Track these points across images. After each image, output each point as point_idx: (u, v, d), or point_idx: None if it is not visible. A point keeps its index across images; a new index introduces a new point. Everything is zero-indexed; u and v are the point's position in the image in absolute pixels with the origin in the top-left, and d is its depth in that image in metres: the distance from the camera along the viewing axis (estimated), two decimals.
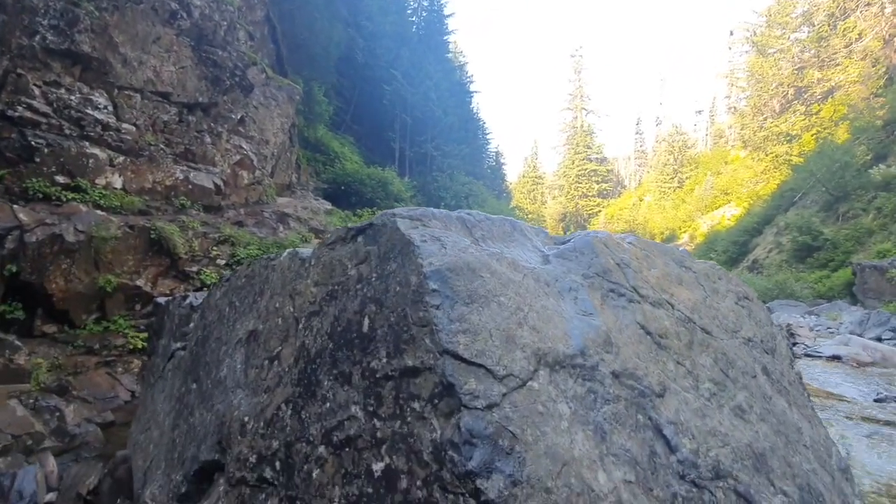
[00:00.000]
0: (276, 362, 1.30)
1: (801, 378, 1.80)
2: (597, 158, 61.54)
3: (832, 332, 8.87)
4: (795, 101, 30.80)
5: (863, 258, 13.10)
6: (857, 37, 24.90)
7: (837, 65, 26.49)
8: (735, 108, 44.36)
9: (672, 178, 49.61)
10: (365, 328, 1.06)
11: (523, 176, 69.16)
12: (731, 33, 45.13)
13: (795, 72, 30.80)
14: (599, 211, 57.73)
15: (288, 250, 1.59)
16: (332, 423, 1.01)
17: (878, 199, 15.65)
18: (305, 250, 1.52)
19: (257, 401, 1.28)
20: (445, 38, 24.94)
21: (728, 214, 33.31)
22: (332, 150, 13.40)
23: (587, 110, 62.61)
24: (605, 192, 61.35)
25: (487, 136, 28.99)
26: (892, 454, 2.70)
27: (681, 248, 1.60)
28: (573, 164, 60.43)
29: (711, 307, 1.51)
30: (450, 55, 26.19)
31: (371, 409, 0.96)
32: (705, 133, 58.31)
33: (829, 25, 27.38)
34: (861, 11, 24.74)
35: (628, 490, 0.93)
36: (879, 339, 7.70)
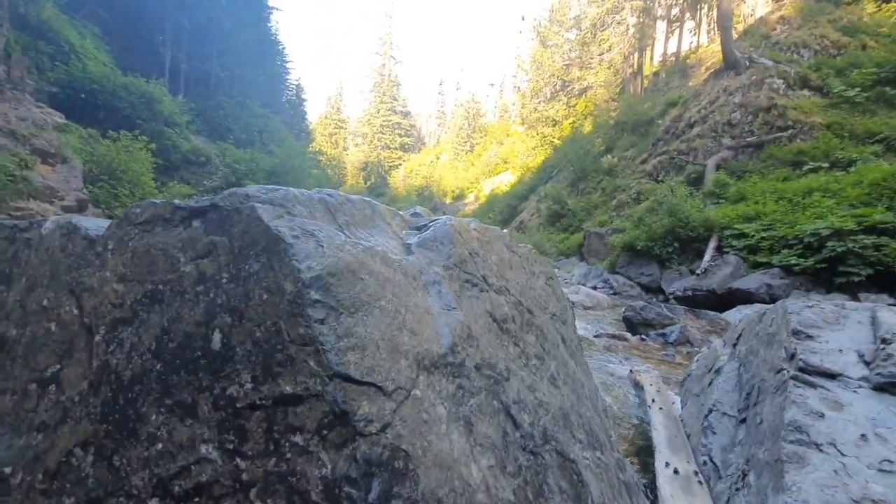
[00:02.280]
0: (53, 388, 0.93)
1: (580, 340, 2.25)
2: (402, 111, 62.75)
3: (567, 283, 11.43)
4: (561, 92, 37.36)
5: (590, 226, 17.12)
6: (608, 48, 31.33)
7: (592, 69, 33.02)
8: (519, 88, 51.06)
9: (465, 142, 54.63)
10: (216, 345, 0.83)
11: (325, 117, 65.62)
12: (523, 19, 51.02)
13: (564, 66, 37.18)
14: (400, 164, 59.70)
15: (53, 219, 1.13)
16: (172, 469, 0.78)
17: (604, 182, 20.63)
18: (88, 222, 1.11)
19: (24, 444, 0.90)
20: None
21: (506, 181, 38.89)
22: (67, 40, 9.81)
23: (395, 59, 62.55)
24: (406, 146, 63.49)
25: (287, 66, 25.95)
26: (605, 374, 3.64)
27: (504, 231, 1.77)
28: (378, 112, 60.26)
29: (531, 288, 1.75)
30: None
31: (231, 446, 0.78)
32: (495, 105, 65.67)
33: (591, 33, 33.63)
34: (613, 28, 31.03)
35: (492, 474, 1.02)
36: (595, 287, 10.36)
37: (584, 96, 34.33)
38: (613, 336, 4.82)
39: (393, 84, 61.39)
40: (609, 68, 31.32)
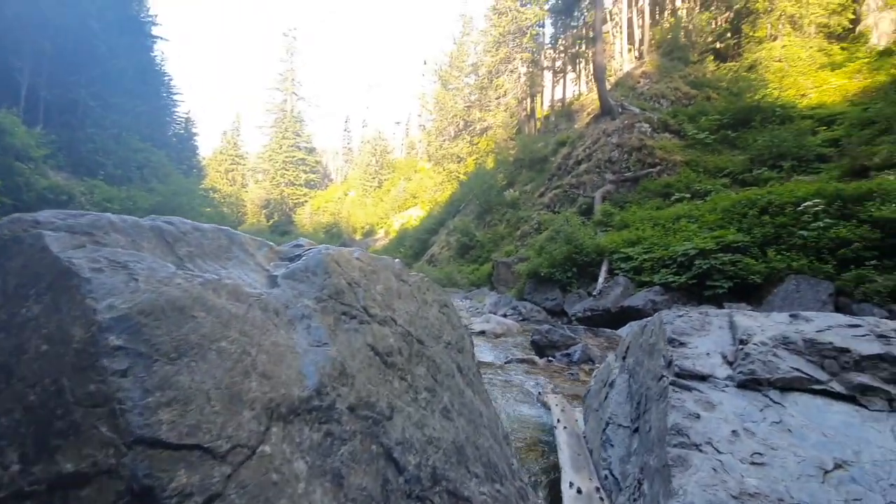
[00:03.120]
0: None
1: (478, 367, 2.19)
2: (306, 147, 61.35)
3: (480, 312, 11.63)
4: (464, 131, 39.43)
5: (498, 256, 17.81)
6: (504, 93, 33.96)
7: (490, 111, 35.45)
8: (424, 126, 52.93)
9: (374, 178, 54.78)
10: None
11: (221, 152, 61.89)
12: (425, 62, 53.56)
13: (465, 108, 39.46)
14: (306, 201, 57.84)
15: None
16: None
17: (508, 214, 21.80)
18: None
19: None
20: None
21: (415, 215, 39.45)
22: None
23: (298, 96, 61.51)
24: (312, 183, 61.86)
25: (175, 98, 24.12)
26: (516, 399, 3.65)
27: (396, 260, 1.68)
28: (281, 148, 58.27)
29: (423, 317, 1.66)
30: None
31: None
32: (401, 142, 67.19)
33: (488, 79, 36.29)
34: (507, 75, 33.78)
35: None
36: (506, 315, 10.65)
37: (485, 135, 36.55)
38: (523, 360, 4.91)
39: (296, 120, 60.08)
40: (506, 111, 33.88)
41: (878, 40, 17.80)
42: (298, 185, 58.40)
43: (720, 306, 7.54)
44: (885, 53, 16.74)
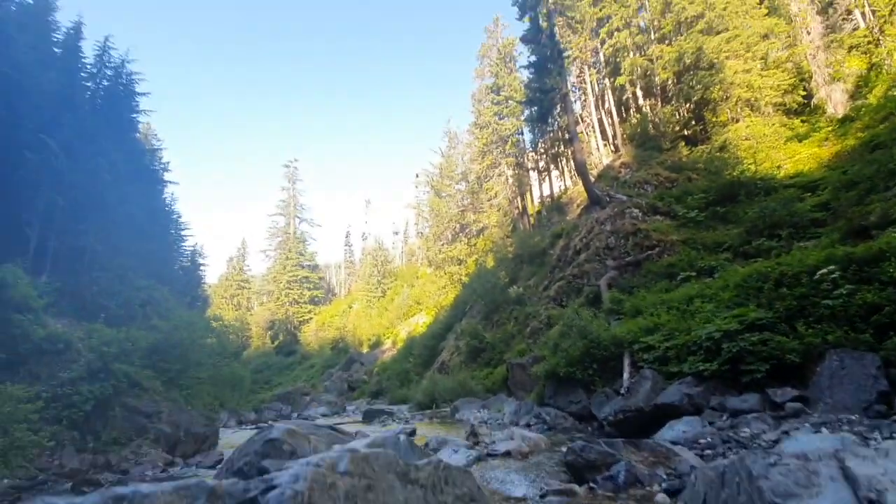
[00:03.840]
0: None
1: None
2: (309, 265, 62.87)
3: (500, 424, 10.71)
4: (461, 234, 40.67)
5: (510, 356, 17.05)
6: (495, 195, 35.68)
7: (484, 212, 36.95)
8: (422, 233, 54.87)
9: (377, 288, 55.15)
10: None
11: (227, 278, 63.40)
12: (417, 175, 57.31)
13: (460, 212, 41.20)
14: (311, 318, 57.62)
15: None
16: None
17: (515, 311, 21.38)
18: None
19: None
20: (134, 116, 21.55)
21: (421, 321, 38.89)
22: None
23: (301, 218, 64.68)
24: (316, 299, 62.26)
25: (183, 233, 25.26)
26: None
27: (401, 438, 1.34)
28: (285, 269, 59.64)
29: None
30: (138, 135, 22.62)
31: None
32: (401, 251, 69.00)
33: (478, 184, 38.45)
34: (496, 179, 35.82)
35: None
36: (529, 425, 9.75)
37: (481, 235, 37.59)
38: (561, 492, 4.24)
39: (299, 241, 62.41)
40: (498, 210, 35.29)
41: (836, 109, 19.11)
42: (303, 303, 58.65)
43: (762, 392, 6.89)
44: (847, 120, 17.84)
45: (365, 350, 43.77)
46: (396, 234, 73.88)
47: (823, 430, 5.38)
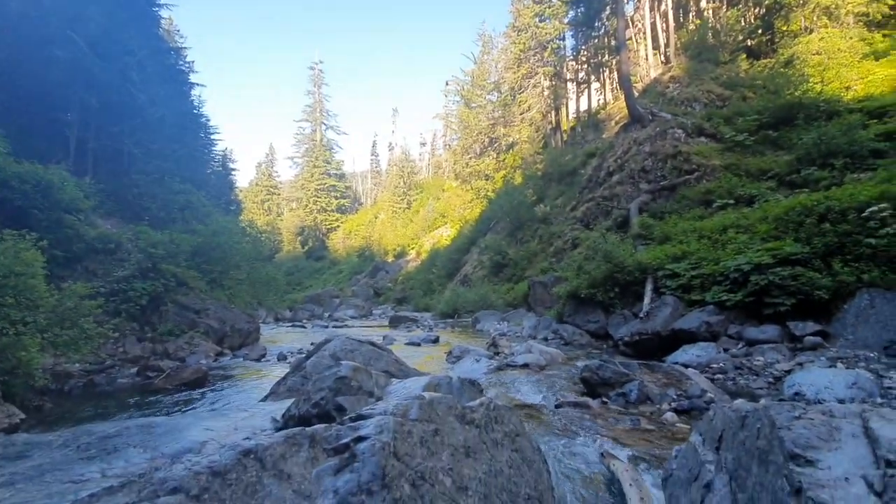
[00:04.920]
0: None
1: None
2: (336, 174, 63.01)
3: (519, 337, 11.29)
4: (490, 148, 39.42)
5: (532, 274, 17.44)
6: (528, 108, 33.81)
7: (515, 126, 35.35)
8: (449, 145, 53.43)
9: (402, 200, 55.42)
10: None
11: (256, 184, 64.51)
12: (447, 83, 54.33)
13: (490, 125, 39.53)
14: (338, 226, 59.12)
15: None
16: None
17: (540, 230, 21.40)
18: None
19: None
20: (156, 9, 20.53)
21: (445, 234, 39.46)
22: None
23: (327, 125, 63.55)
24: (343, 208, 63.29)
25: (213, 137, 25.29)
26: (575, 455, 3.29)
27: (455, 379, 1.46)
28: (312, 177, 60.06)
29: (498, 474, 1.40)
30: (161, 32, 21.74)
31: None
32: (428, 163, 67.92)
33: (510, 95, 36.30)
34: (530, 90, 33.68)
35: None
36: (546, 339, 10.27)
37: (511, 151, 36.40)
38: (575, 404, 4.60)
39: (325, 148, 61.92)
40: (531, 125, 33.68)
41: None
42: (330, 211, 59.87)
43: (783, 325, 6.98)
44: None
45: (390, 259, 45.31)
46: (424, 145, 72.26)
47: (839, 364, 5.51)
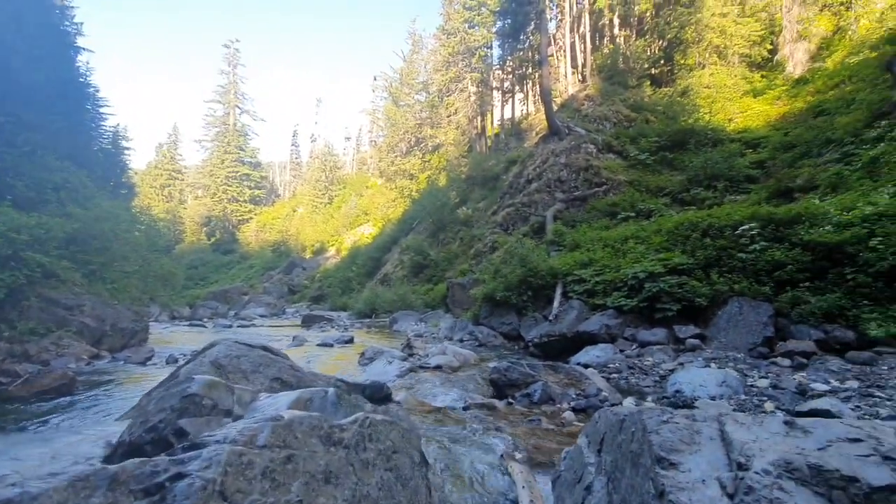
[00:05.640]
0: None
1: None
2: (251, 162, 59.10)
3: (435, 338, 11.32)
4: (416, 148, 39.40)
5: (452, 276, 17.65)
6: (455, 111, 34.27)
7: (442, 128, 35.67)
8: (375, 142, 52.55)
9: (323, 194, 53.41)
10: None
11: (156, 167, 58.49)
12: (375, 79, 53.46)
13: (416, 125, 39.50)
14: (251, 217, 55.49)
15: None
16: None
17: (461, 232, 21.77)
18: None
19: None
20: None
21: (367, 232, 38.71)
22: None
23: (241, 109, 59.34)
24: (257, 199, 59.58)
25: (102, 111, 22.22)
26: (476, 460, 3.31)
27: (329, 392, 1.34)
28: (223, 163, 55.74)
29: (363, 499, 1.27)
30: None
31: None
32: (352, 158, 66.22)
33: (438, 97, 36.57)
34: (457, 94, 34.17)
35: None
36: (462, 340, 10.40)
37: (437, 152, 36.67)
38: (482, 405, 4.66)
39: (239, 133, 57.78)
40: (457, 128, 34.23)
41: (794, 69, 19.58)
42: (243, 202, 55.98)
43: (670, 328, 7.71)
44: (801, 81, 18.41)
45: (308, 255, 43.43)
46: (348, 139, 70.31)
47: (712, 364, 6.19)
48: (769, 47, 21.67)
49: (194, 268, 43.76)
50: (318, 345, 10.02)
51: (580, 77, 28.02)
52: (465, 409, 4.76)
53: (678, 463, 1.21)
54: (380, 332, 13.96)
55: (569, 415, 4.34)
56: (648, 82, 23.74)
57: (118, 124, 30.86)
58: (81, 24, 20.35)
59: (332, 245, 42.28)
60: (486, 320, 10.90)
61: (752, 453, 1.15)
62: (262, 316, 21.72)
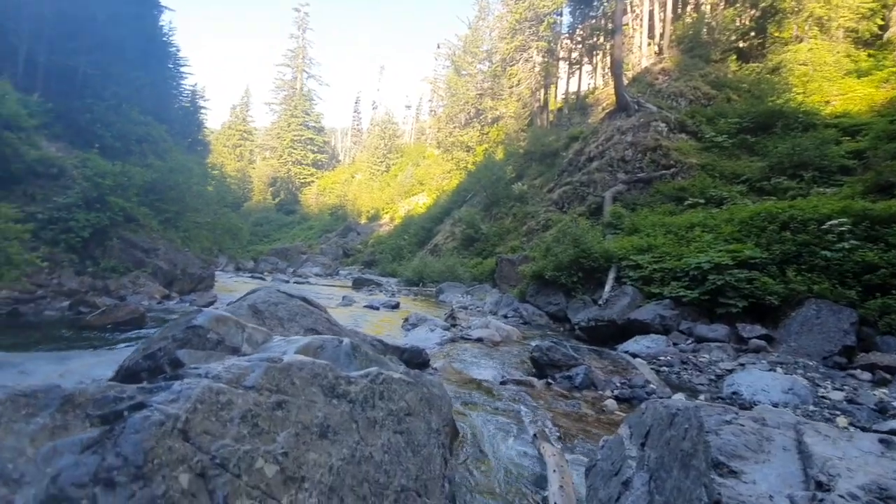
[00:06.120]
0: None
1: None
2: (314, 127, 60.75)
3: (480, 311, 11.30)
4: (475, 119, 38.64)
5: (502, 251, 17.43)
6: (517, 83, 33.09)
7: (503, 100, 34.65)
8: (435, 111, 52.11)
9: (381, 162, 54.13)
10: None
11: (229, 127, 61.51)
12: (438, 46, 52.51)
13: (477, 95, 38.61)
14: (313, 181, 57.44)
15: None
16: None
17: (515, 208, 21.30)
18: None
19: None
20: None
21: (421, 202, 38.96)
22: None
23: (308, 73, 60.70)
24: (319, 163, 61.42)
25: (182, 69, 23.49)
26: (509, 435, 3.24)
27: (344, 343, 1.26)
28: (289, 126, 57.70)
29: (365, 461, 1.17)
30: None
31: None
32: (411, 127, 66.31)
33: (501, 67, 35.38)
34: (522, 64, 32.89)
35: None
36: (506, 316, 10.30)
37: (496, 125, 35.79)
38: (520, 382, 4.56)
39: (305, 98, 59.33)
40: (518, 101, 33.08)
41: None
42: (306, 165, 57.98)
43: (732, 326, 7.15)
44: None
45: (363, 221, 44.55)
46: (408, 108, 70.31)
47: (778, 369, 5.68)
48: (880, 22, 18.83)
49: (259, 225, 46.25)
50: (365, 306, 10.30)
51: (656, 49, 25.95)
52: (502, 383, 4.69)
53: (740, 471, 1.05)
54: (426, 300, 14.14)
55: (611, 403, 4.14)
56: (734, 56, 21.52)
57: (196, 84, 32.61)
58: None
59: (387, 212, 43.02)
60: (532, 298, 10.69)
61: (837, 472, 0.97)
62: (317, 275, 22.70)
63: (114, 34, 14.51)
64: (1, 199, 6.94)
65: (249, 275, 18.46)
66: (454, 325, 8.51)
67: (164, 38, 21.22)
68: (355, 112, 73.24)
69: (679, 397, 4.53)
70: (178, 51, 22.56)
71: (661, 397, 4.39)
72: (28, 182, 8.58)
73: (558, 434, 3.19)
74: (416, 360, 4.92)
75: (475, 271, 17.56)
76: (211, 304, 8.56)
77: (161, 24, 20.80)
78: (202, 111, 27.76)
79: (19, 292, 6.07)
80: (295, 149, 57.42)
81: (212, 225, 13.72)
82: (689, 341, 7.14)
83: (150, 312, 6.68)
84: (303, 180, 57.48)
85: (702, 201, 12.54)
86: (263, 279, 16.84)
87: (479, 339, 7.25)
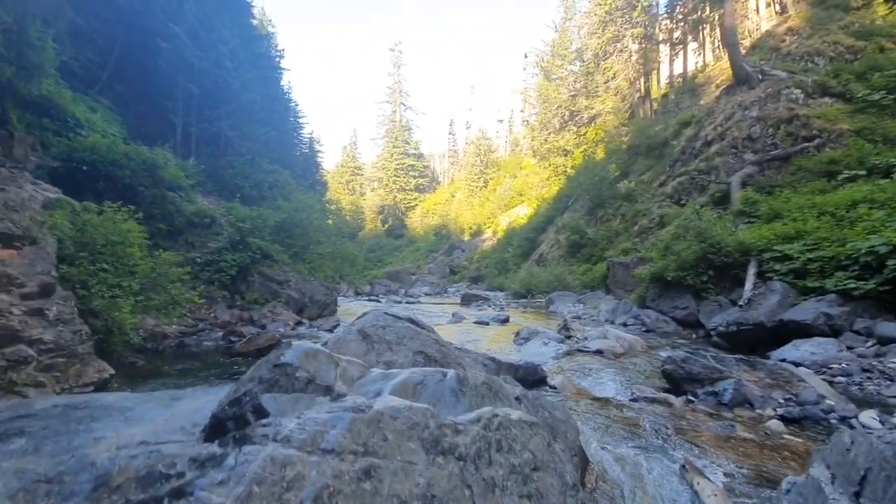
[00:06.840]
0: None
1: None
2: (414, 154, 64.05)
3: (595, 321, 10.60)
4: (570, 122, 37.33)
5: (613, 255, 16.31)
6: (613, 76, 31.31)
7: (599, 97, 32.99)
8: (527, 121, 51.57)
9: (479, 178, 54.92)
10: None
11: (342, 166, 67.73)
12: (525, 56, 52.22)
13: (570, 97, 37.33)
14: (416, 205, 60.33)
15: None
16: None
17: (623, 208, 19.89)
18: None
19: None
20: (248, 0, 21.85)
21: (522, 213, 38.49)
22: (73, 114, 10.08)
23: (406, 105, 64.49)
24: (421, 187, 64.38)
25: (300, 120, 26.73)
26: (650, 461, 2.84)
27: (448, 377, 1.07)
28: (392, 157, 61.61)
29: None
30: (254, 21, 23.16)
31: None
32: (505, 140, 66.45)
33: (594, 63, 33.84)
34: (616, 56, 31.12)
35: None
36: (625, 325, 9.49)
37: (592, 124, 34.13)
38: (653, 400, 4.07)
39: (404, 129, 63.02)
40: (616, 95, 31.19)
41: None
42: (409, 191, 61.23)
43: None
44: None
45: (466, 238, 45.35)
46: (501, 121, 70.66)
47: None
48: None
49: (372, 251, 49.71)
50: (475, 322, 10.28)
51: (777, 9, 22.59)
52: (632, 401, 4.23)
53: None
54: (535, 312, 13.72)
55: (775, 424, 3.46)
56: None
57: (312, 131, 36.61)
58: (283, 49, 24.52)
59: (489, 227, 43.28)
60: (653, 303, 9.72)
61: None
62: (426, 294, 23.52)
63: (245, 99, 17.01)
64: (167, 248, 8.32)
65: (367, 298, 19.75)
66: (569, 337, 8.06)
67: (285, 96, 24.29)
68: (450, 134, 75.75)
69: (868, 415, 3.63)
70: (296, 105, 25.66)
71: (843, 416, 3.57)
72: (188, 232, 10.24)
73: (713, 464, 2.72)
74: (531, 377, 4.69)
75: (585, 278, 16.66)
76: (335, 326, 9.26)
77: (281, 84, 23.85)
78: (318, 154, 31.08)
79: (185, 326, 7.19)
80: (399, 177, 61.04)
81: (332, 255, 15.02)
82: (870, 344, 5.82)
83: (285, 338, 7.41)
84: (407, 205, 60.69)
85: (862, 172, 10.40)
86: (379, 301, 17.87)
87: (599, 351, 6.74)
